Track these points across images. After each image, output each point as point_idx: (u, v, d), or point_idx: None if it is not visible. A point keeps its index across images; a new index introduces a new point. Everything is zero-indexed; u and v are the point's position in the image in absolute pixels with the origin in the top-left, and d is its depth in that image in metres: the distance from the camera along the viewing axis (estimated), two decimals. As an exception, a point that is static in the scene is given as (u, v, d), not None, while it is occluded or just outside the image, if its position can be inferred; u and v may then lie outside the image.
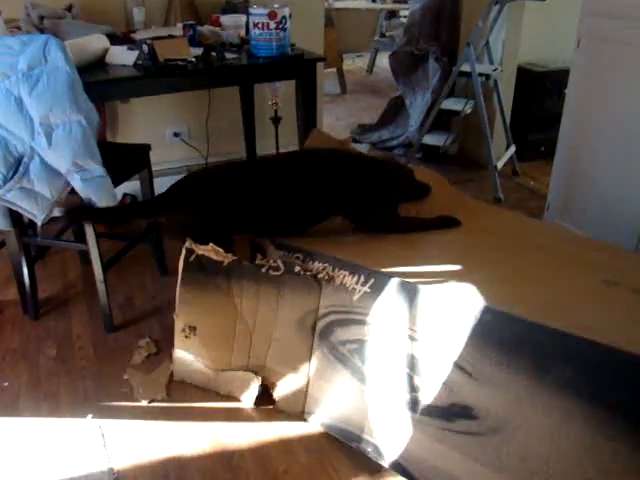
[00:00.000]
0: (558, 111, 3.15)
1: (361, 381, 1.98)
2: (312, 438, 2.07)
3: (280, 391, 2.17)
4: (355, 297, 1.98)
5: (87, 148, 2.24)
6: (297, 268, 2.05)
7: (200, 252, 2.11)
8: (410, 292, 1.86)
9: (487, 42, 3.94)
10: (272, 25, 2.82)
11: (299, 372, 2.12)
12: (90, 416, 2.16)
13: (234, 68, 2.84)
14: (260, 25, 2.84)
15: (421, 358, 1.85)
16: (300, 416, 2.15)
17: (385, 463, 1.94)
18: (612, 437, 1.54)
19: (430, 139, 4.29)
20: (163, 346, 2.50)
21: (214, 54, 2.85)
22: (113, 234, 3.25)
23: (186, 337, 2.23)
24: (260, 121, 3.85)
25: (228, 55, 2.89)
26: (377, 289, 1.93)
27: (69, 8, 3.03)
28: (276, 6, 2.83)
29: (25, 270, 2.58)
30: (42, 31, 2.84)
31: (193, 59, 2.75)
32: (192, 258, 2.13)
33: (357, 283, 1.98)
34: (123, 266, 2.93)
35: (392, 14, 7.46)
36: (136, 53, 2.74)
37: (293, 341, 2.11)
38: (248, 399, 2.21)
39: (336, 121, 5.48)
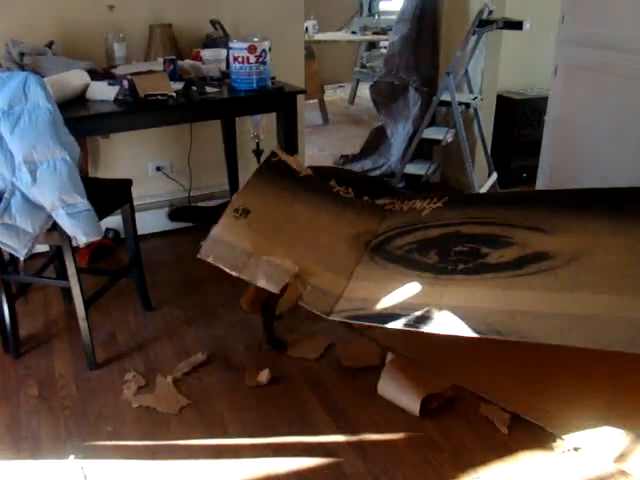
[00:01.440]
0: (538, 138, 3.19)
1: (418, 269, 2.17)
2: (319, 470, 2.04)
3: (312, 290, 2.24)
4: (424, 213, 2.34)
5: (72, 184, 2.24)
6: (365, 197, 2.39)
7: (283, 158, 2.46)
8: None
9: (466, 71, 3.99)
10: (252, 59, 2.84)
11: (339, 276, 2.26)
12: (72, 457, 2.11)
13: (215, 102, 2.85)
14: (240, 59, 2.86)
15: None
16: (326, 313, 2.20)
17: (431, 328, 1.97)
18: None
19: (412, 168, 4.31)
20: (149, 379, 2.47)
21: (195, 88, 2.86)
22: (96, 269, 3.24)
23: (235, 217, 2.32)
24: (243, 154, 3.86)
25: (209, 89, 2.90)
26: (450, 203, 2.33)
27: (50, 44, 3.03)
28: (256, 40, 2.85)
29: (5, 308, 2.55)
30: (23, 68, 2.85)
31: (173, 94, 2.76)
32: (274, 159, 2.47)
33: (429, 203, 2.38)
34: (106, 302, 2.90)
35: (372, 45, 7.55)
36: (116, 88, 2.74)
37: (343, 250, 2.33)
38: (272, 287, 2.22)
39: (319, 152, 5.50)
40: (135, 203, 2.81)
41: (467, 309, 2.01)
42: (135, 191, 2.81)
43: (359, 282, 2.25)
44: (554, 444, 2.09)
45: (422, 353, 2.54)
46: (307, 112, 6.54)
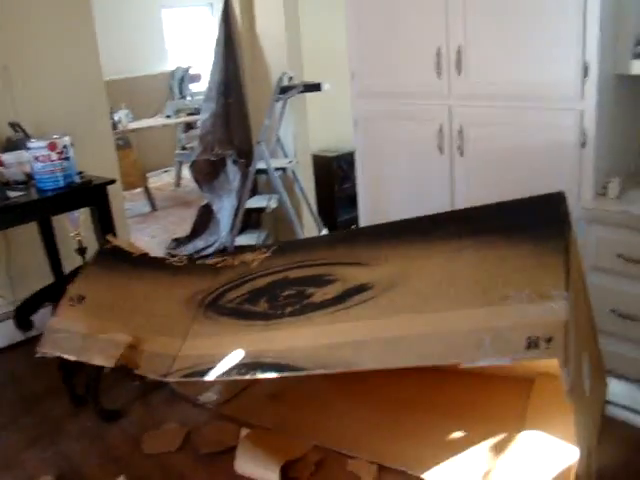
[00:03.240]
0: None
1: (250, 319, 2.27)
2: None
3: (147, 356, 2.27)
4: (253, 264, 2.47)
5: None
6: (198, 261, 2.59)
7: (116, 243, 2.63)
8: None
9: (278, 138, 4.11)
10: (54, 156, 2.76)
11: (175, 338, 2.32)
12: None
13: (20, 206, 2.73)
14: (41, 158, 2.77)
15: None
16: (163, 375, 2.21)
17: (262, 374, 2.02)
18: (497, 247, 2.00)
19: (244, 239, 4.33)
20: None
21: (-3, 195, 2.72)
22: None
23: (71, 305, 2.39)
24: (67, 254, 3.69)
25: (12, 194, 2.77)
26: (278, 252, 2.49)
27: None
28: (55, 137, 2.78)
29: None
30: None
31: (-28, 204, 2.60)
32: (108, 247, 2.63)
33: (258, 255, 2.52)
34: None
35: (189, 126, 7.60)
36: None
37: (178, 313, 2.41)
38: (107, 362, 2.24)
39: (151, 239, 5.40)
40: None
41: (295, 350, 2.06)
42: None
43: (194, 340, 2.31)
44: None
45: (279, 421, 2.52)
46: (133, 202, 6.47)
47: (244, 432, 2.41)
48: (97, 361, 2.28)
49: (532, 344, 1.68)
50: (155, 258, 2.64)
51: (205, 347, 2.27)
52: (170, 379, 2.25)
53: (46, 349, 2.34)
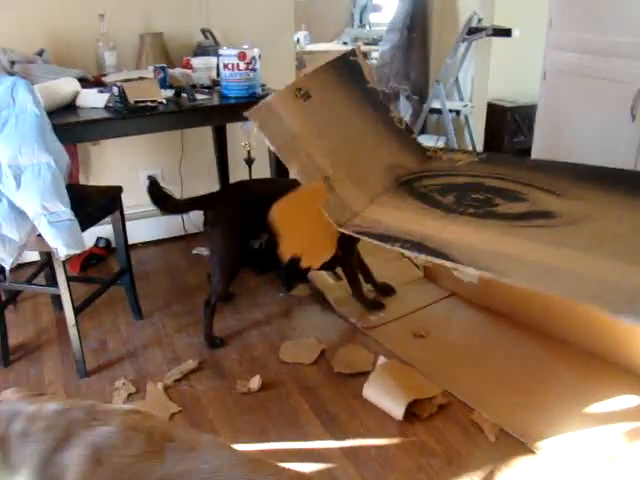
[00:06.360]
0: (529, 145, 3.20)
1: (433, 206, 2.33)
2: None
3: (335, 199, 2.32)
4: (459, 163, 2.55)
5: (56, 191, 2.21)
6: (413, 135, 2.64)
7: (360, 61, 2.61)
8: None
9: (456, 79, 4.02)
10: (242, 66, 2.84)
11: (364, 196, 2.39)
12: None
13: (205, 109, 2.85)
14: (230, 66, 2.86)
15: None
16: (339, 224, 2.28)
17: (429, 255, 2.05)
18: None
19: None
20: (140, 387, 2.45)
21: (185, 95, 2.86)
22: (86, 278, 3.22)
23: (295, 96, 2.43)
24: (234, 163, 3.86)
25: (199, 96, 2.90)
26: (485, 160, 2.55)
27: (40, 53, 3.03)
28: (246, 47, 2.86)
29: (-5, 316, 2.53)
30: (12, 75, 2.84)
31: (164, 100, 2.76)
32: (352, 58, 2.62)
33: (468, 157, 2.58)
34: (96, 310, 2.90)
35: (364, 55, 7.57)
36: (106, 95, 2.74)
37: (376, 174, 2.49)
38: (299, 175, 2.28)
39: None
40: (126, 212, 2.81)
41: (461, 245, 2.10)
42: (126, 200, 2.80)
43: (379, 207, 2.37)
44: (538, 451, 2.09)
45: (416, 358, 2.54)
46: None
47: (381, 360, 2.45)
48: (292, 169, 2.29)
49: None
50: (383, 102, 2.60)
51: (385, 216, 2.32)
52: (343, 230, 2.29)
53: (256, 122, 2.30)
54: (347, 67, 2.65)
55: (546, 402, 2.29)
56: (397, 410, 2.23)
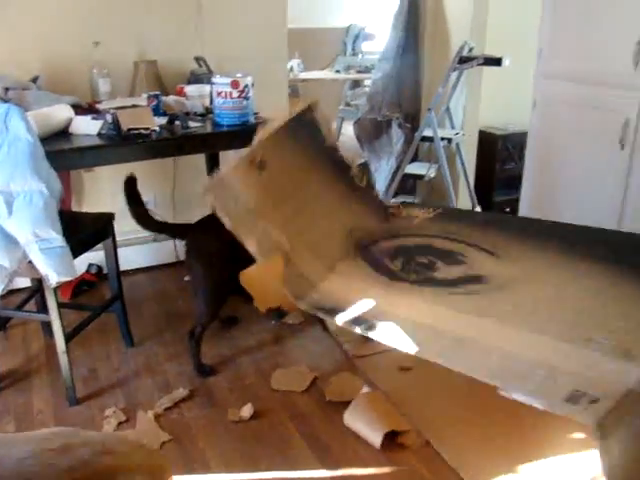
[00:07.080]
0: (520, 173, 3.23)
1: (381, 273, 2.30)
2: None
3: (292, 272, 2.26)
4: (415, 222, 2.52)
5: (48, 217, 2.21)
6: (375, 192, 2.62)
7: (318, 117, 2.48)
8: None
9: (448, 107, 4.05)
10: (235, 94, 2.87)
11: (322, 265, 2.34)
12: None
13: (197, 136, 2.87)
14: (223, 94, 2.88)
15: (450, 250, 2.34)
16: (296, 297, 2.22)
17: (373, 335, 2.02)
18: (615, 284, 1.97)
19: (396, 202, 4.34)
20: (130, 415, 2.43)
21: (178, 123, 2.87)
22: (77, 304, 3.21)
23: (250, 167, 2.29)
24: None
25: (192, 124, 2.92)
26: (439, 216, 2.53)
27: (34, 79, 3.05)
28: (239, 75, 2.88)
29: (-16, 343, 2.51)
30: (7, 102, 2.85)
31: (157, 128, 2.77)
32: (309, 115, 2.48)
33: (424, 213, 2.56)
34: (87, 337, 2.88)
35: (356, 83, 7.64)
36: (100, 123, 2.75)
37: (335, 240, 2.42)
38: (259, 253, 2.22)
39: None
40: (118, 238, 2.81)
41: (392, 316, 2.08)
42: (118, 226, 2.80)
43: (336, 276, 2.32)
44: None
45: (396, 392, 2.51)
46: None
47: (364, 389, 2.46)
48: (250, 246, 2.22)
49: (573, 398, 1.52)
50: (342, 160, 2.49)
51: (339, 286, 2.28)
52: (299, 305, 2.23)
53: (210, 197, 2.22)
54: (303, 127, 2.56)
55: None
56: (375, 438, 2.23)
